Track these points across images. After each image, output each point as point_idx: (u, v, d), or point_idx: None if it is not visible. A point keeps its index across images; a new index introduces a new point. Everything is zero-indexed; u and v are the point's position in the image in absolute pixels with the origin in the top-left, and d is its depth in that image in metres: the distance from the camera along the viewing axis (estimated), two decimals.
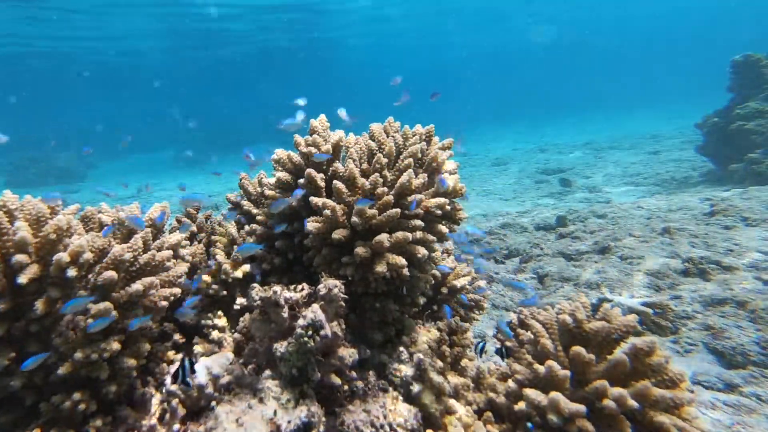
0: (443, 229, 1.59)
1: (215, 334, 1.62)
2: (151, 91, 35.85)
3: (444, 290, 1.98)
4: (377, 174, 1.51)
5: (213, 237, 1.83)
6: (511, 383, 1.58)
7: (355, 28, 24.55)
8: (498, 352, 1.74)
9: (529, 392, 1.43)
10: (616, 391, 1.31)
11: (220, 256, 1.71)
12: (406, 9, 22.57)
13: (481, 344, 1.78)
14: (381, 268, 1.40)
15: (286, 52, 27.89)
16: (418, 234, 1.50)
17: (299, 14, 21.13)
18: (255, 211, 1.83)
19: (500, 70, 67.57)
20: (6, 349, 1.23)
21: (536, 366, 1.49)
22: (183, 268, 1.56)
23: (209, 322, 1.65)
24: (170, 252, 1.48)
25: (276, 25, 22.41)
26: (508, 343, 1.72)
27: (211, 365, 1.45)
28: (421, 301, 1.76)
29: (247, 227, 1.79)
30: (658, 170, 9.19)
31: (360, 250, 1.42)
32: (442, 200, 1.54)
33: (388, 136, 1.69)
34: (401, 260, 1.43)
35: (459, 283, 1.99)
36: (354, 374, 1.44)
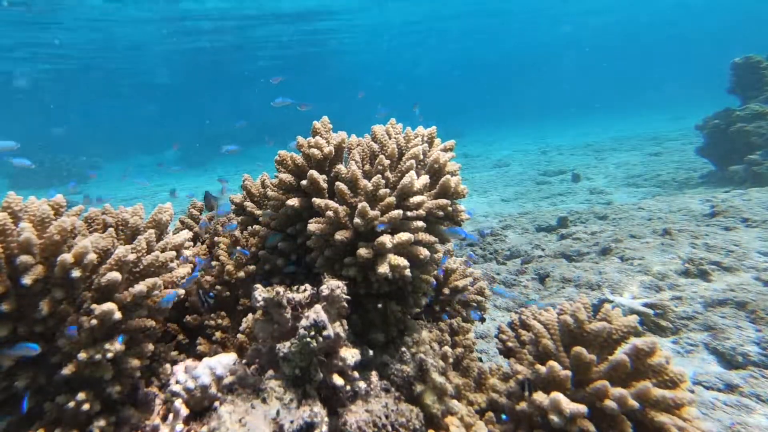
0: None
1: (218, 335, 1.63)
2: (152, 93, 35.94)
3: (446, 291, 1.99)
4: (379, 175, 1.51)
5: (216, 238, 1.84)
6: (512, 383, 1.59)
7: (353, 34, 24.65)
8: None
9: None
10: (617, 391, 1.32)
11: (223, 257, 1.72)
12: (403, 16, 22.67)
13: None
14: (383, 269, 1.41)
15: (291, 60, 28.09)
16: (420, 235, 1.51)
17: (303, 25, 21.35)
18: (258, 212, 1.85)
19: (500, 71, 67.62)
20: None
21: (537, 366, 1.50)
22: (186, 269, 1.57)
23: (212, 322, 1.66)
24: (173, 253, 1.49)
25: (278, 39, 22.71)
26: (509, 344, 1.73)
27: (214, 366, 1.45)
28: (423, 301, 1.77)
29: (249, 228, 1.80)
30: (659, 171, 9.21)
31: (362, 251, 1.43)
32: (443, 201, 1.54)
33: (390, 138, 1.70)
34: (403, 261, 1.44)
35: (461, 283, 2.00)
36: (356, 374, 1.44)
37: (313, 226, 1.53)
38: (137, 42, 20.47)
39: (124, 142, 25.36)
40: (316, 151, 1.60)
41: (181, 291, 1.51)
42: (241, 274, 1.71)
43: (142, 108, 40.69)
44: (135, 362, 1.36)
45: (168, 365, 1.55)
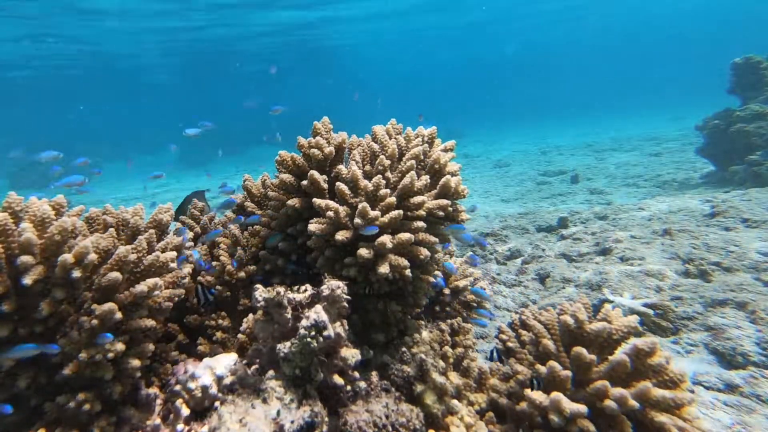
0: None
1: (219, 335, 1.63)
2: (152, 93, 35.97)
3: (446, 291, 1.99)
4: (380, 176, 1.52)
5: (216, 238, 1.84)
6: (512, 384, 1.59)
7: (353, 33, 24.67)
8: (491, 356, 1.76)
9: (531, 392, 1.44)
10: (617, 391, 1.32)
11: (224, 257, 1.72)
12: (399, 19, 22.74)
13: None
14: (383, 269, 1.41)
15: (291, 62, 28.20)
16: (421, 235, 1.51)
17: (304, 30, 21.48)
18: (258, 212, 1.85)
19: (500, 71, 67.62)
20: None
21: (538, 366, 1.50)
22: (187, 269, 1.57)
23: (213, 323, 1.66)
24: (174, 253, 1.49)
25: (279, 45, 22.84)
26: (509, 344, 1.73)
27: (215, 366, 1.45)
28: (424, 301, 1.77)
29: (249, 228, 1.80)
30: (659, 172, 9.21)
31: (363, 252, 1.43)
32: (444, 202, 1.55)
33: (390, 138, 1.70)
34: (404, 261, 1.44)
35: (461, 283, 2.00)
36: (357, 374, 1.44)
37: (314, 226, 1.53)
38: (138, 42, 20.49)
39: (124, 142, 25.37)
40: (316, 152, 1.60)
41: (181, 291, 1.51)
42: (242, 274, 1.71)
43: (142, 108, 40.73)
44: (135, 362, 1.36)
45: (169, 365, 1.55)
